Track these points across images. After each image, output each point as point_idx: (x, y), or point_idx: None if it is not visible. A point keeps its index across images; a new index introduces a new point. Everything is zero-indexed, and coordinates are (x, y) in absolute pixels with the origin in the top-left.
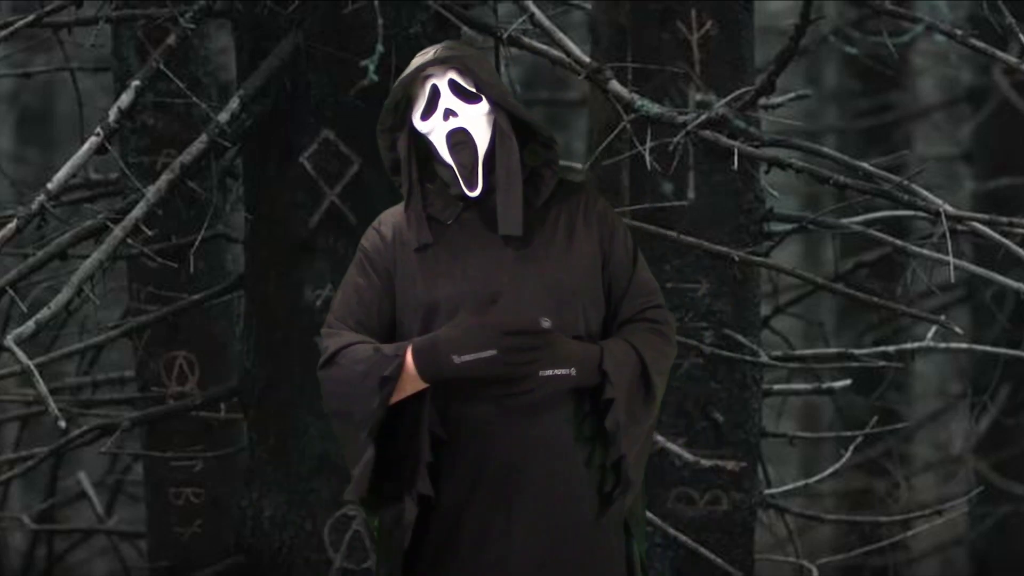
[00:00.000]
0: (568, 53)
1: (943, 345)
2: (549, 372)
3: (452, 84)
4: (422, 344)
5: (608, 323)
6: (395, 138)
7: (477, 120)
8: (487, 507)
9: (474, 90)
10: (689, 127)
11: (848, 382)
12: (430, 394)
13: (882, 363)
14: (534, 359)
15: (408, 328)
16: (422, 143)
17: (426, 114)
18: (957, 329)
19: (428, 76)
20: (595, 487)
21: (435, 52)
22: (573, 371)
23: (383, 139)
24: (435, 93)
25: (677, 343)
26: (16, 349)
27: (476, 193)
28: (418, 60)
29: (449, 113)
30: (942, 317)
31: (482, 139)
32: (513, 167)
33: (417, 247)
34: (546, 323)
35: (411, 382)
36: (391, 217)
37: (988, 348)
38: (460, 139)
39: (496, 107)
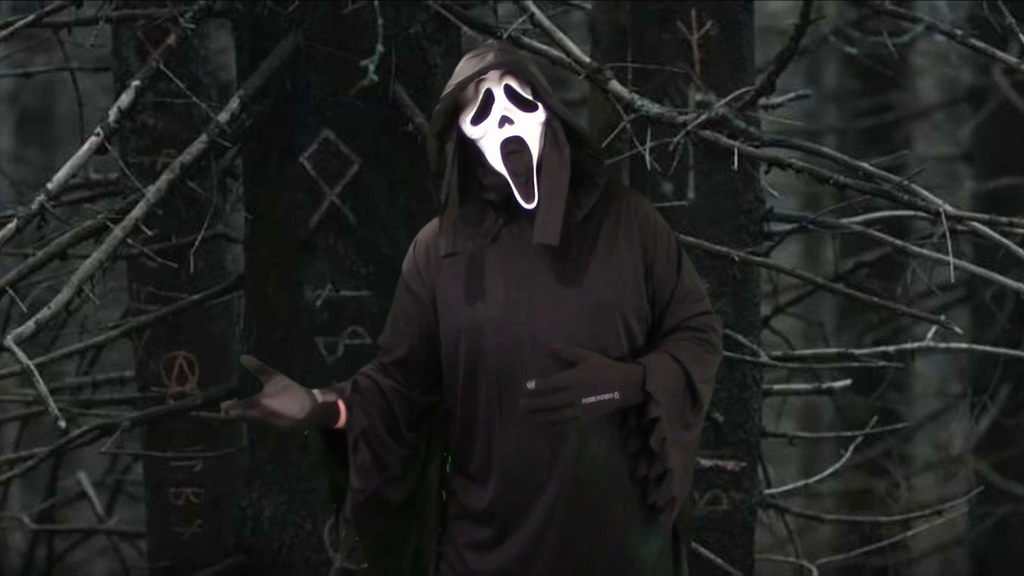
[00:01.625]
0: (568, 53)
1: (943, 345)
2: (592, 399)
3: (508, 90)
4: None
5: (652, 331)
6: (444, 142)
7: (532, 129)
8: (536, 529)
9: (531, 98)
10: (689, 127)
11: (848, 382)
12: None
13: (882, 363)
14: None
15: (456, 351)
16: (468, 149)
17: (477, 119)
18: (957, 329)
19: (481, 80)
20: (640, 499)
21: (492, 56)
22: (616, 395)
23: (432, 143)
24: (489, 98)
25: (721, 345)
26: (16, 349)
27: (533, 205)
28: (472, 64)
29: (505, 120)
30: (942, 317)
31: (535, 148)
32: (561, 178)
33: (445, 255)
34: (530, 384)
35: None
36: (426, 233)
37: (988, 348)
38: (515, 148)
39: (552, 116)
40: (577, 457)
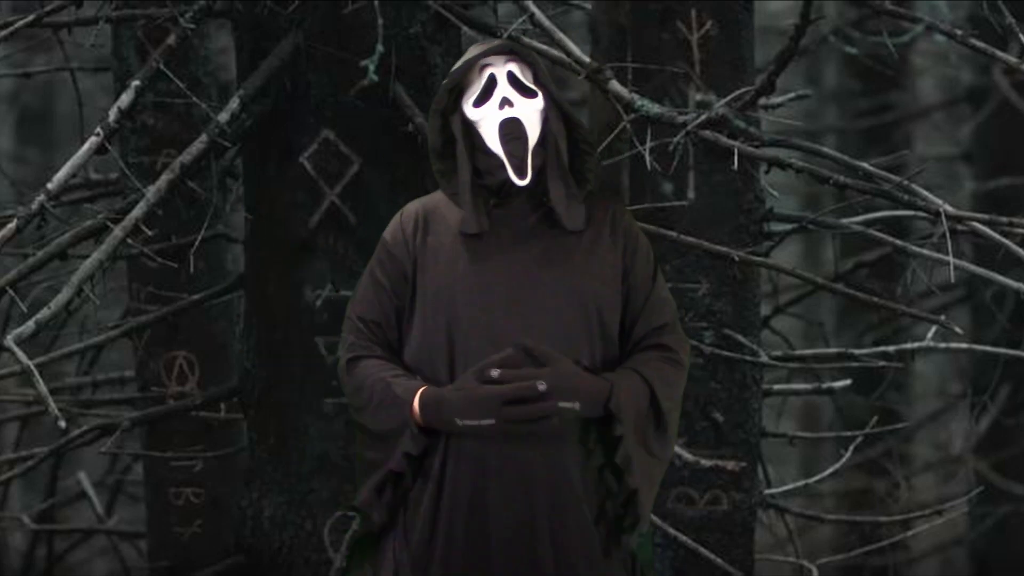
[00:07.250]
0: (568, 53)
1: (943, 345)
2: (567, 404)
3: (511, 76)
4: (428, 400)
5: (622, 336)
6: (447, 121)
7: (531, 114)
8: (489, 538)
9: (532, 85)
10: (689, 127)
11: (848, 382)
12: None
13: (882, 363)
14: (533, 423)
15: (429, 324)
16: (469, 133)
17: (479, 101)
18: (957, 329)
19: (486, 65)
20: (599, 518)
21: (498, 42)
22: (577, 405)
23: (434, 120)
24: (492, 82)
25: (688, 363)
26: (16, 349)
27: (526, 182)
28: (477, 48)
29: (505, 102)
30: (942, 317)
31: (533, 133)
32: (564, 165)
33: (472, 233)
34: (542, 386)
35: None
36: (417, 207)
37: (988, 348)
38: (512, 129)
39: (551, 105)
40: (532, 472)
